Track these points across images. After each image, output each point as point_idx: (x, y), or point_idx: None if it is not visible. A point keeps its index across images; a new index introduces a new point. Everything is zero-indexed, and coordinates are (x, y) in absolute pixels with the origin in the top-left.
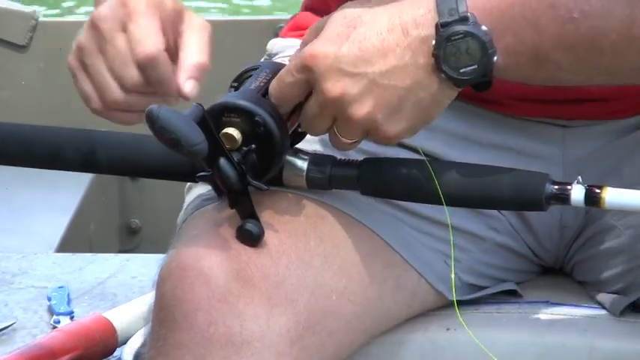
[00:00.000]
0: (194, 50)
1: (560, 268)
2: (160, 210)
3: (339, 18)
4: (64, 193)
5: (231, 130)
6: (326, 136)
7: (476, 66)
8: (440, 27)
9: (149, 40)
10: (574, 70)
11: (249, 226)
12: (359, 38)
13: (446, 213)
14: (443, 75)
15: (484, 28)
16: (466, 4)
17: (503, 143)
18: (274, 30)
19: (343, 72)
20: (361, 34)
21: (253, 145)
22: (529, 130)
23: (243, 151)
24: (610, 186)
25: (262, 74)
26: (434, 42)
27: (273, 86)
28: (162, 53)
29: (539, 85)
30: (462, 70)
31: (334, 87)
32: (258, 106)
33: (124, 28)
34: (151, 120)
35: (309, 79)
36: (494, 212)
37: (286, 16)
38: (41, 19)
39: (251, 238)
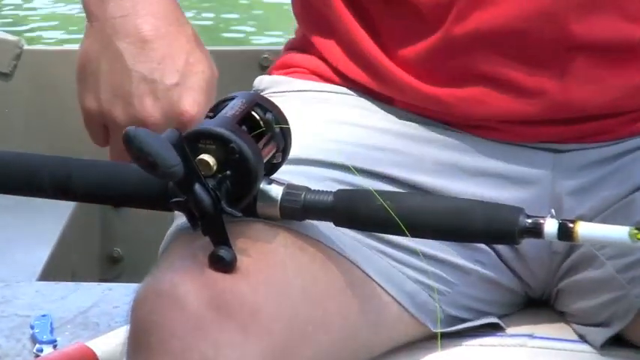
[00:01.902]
0: None
1: (545, 298)
2: (142, 239)
3: None
4: (46, 221)
5: (206, 157)
6: (300, 168)
7: None
8: None
9: None
10: None
11: (222, 252)
12: None
13: (407, 240)
14: None
15: None
16: None
17: (492, 170)
18: (258, 60)
19: None
20: None
21: (228, 172)
22: (519, 157)
23: (218, 177)
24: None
25: (238, 103)
26: None
27: None
28: None
29: None
30: None
31: None
32: (233, 133)
33: None
34: (128, 141)
35: None
36: (481, 244)
37: (271, 47)
38: (26, 47)
39: (223, 265)
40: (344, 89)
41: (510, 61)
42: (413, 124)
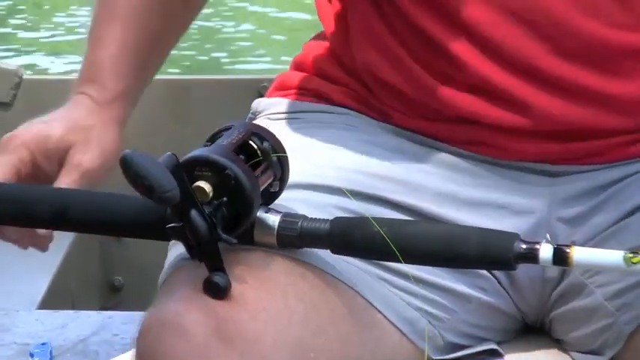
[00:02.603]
0: None
1: (540, 325)
2: (142, 267)
3: None
4: None
5: (203, 184)
6: (299, 193)
7: None
8: None
9: None
10: None
11: (217, 278)
12: None
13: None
14: None
15: None
16: None
17: (490, 200)
18: (257, 89)
19: None
20: None
21: (225, 199)
22: (516, 184)
23: (214, 204)
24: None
25: (235, 132)
26: None
27: None
28: None
29: None
30: None
31: None
32: (228, 160)
33: None
34: (125, 165)
35: None
36: (483, 270)
37: (269, 75)
38: (25, 76)
39: (218, 291)
40: (343, 109)
41: (495, 66)
42: (411, 144)
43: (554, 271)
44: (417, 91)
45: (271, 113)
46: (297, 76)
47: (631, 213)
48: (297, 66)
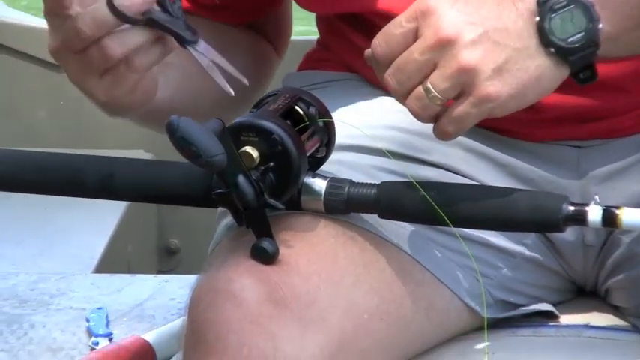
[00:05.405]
0: None
1: (594, 291)
2: (198, 230)
3: None
4: (102, 213)
5: (249, 149)
6: (346, 158)
7: (583, 33)
8: (540, 1)
9: None
10: None
11: (265, 244)
12: (473, 1)
13: (459, 238)
14: (551, 49)
15: None
16: None
17: (518, 165)
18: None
19: (460, 18)
20: (475, 0)
21: (271, 164)
22: (543, 152)
23: (260, 169)
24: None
25: (281, 98)
26: (537, 17)
27: (377, 40)
28: None
29: None
30: (569, 40)
31: (449, 28)
32: (275, 125)
33: None
34: (171, 130)
35: (419, 27)
36: None
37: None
38: None
39: (265, 256)
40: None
41: None
42: None
43: (593, 237)
44: None
45: (301, 86)
46: (325, 53)
47: None
48: (322, 44)
